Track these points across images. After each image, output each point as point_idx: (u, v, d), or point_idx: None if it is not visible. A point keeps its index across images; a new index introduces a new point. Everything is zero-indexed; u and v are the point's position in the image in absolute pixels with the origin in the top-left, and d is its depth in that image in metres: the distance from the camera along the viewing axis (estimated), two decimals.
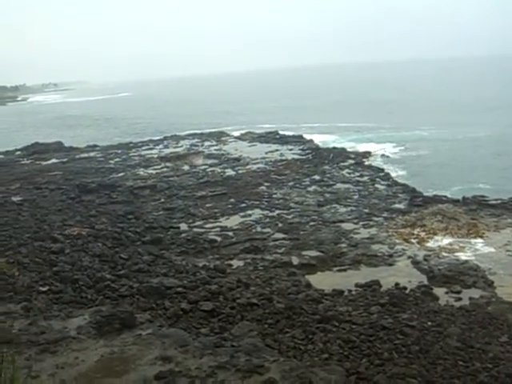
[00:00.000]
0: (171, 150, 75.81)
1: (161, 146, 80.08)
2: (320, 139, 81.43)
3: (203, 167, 61.24)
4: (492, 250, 32.30)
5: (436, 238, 34.63)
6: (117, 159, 70.42)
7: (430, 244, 33.64)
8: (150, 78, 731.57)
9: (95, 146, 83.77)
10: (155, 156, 70.54)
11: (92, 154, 75.73)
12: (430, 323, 22.25)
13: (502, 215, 38.75)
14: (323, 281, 28.77)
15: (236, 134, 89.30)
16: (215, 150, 73.68)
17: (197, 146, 78.30)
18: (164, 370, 16.15)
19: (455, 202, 42.37)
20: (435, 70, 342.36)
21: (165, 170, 61.25)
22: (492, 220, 37.72)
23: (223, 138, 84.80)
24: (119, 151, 76.80)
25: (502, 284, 27.42)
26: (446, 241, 34.01)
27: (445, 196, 44.44)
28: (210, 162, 64.26)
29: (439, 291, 26.68)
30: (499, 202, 41.57)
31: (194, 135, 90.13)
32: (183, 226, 39.72)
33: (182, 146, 78.29)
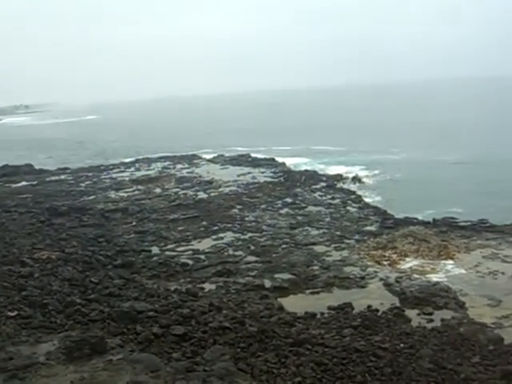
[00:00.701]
0: (143, 172, 75.49)
1: (132, 169, 79.68)
2: (292, 162, 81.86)
3: (175, 190, 61.02)
4: (463, 271, 32.60)
5: (407, 259, 34.85)
6: (88, 182, 69.87)
7: (402, 266, 33.83)
8: (123, 99, 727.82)
9: (66, 168, 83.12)
10: (127, 179, 70.19)
11: (63, 177, 75.07)
12: (402, 345, 22.29)
13: (471, 237, 39.19)
14: (296, 304, 28.68)
15: (208, 156, 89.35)
16: (187, 172, 73.50)
17: (169, 168, 78.14)
18: None
19: (426, 223, 42.79)
20: (409, 94, 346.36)
21: (136, 192, 60.91)
22: (462, 241, 38.12)
23: (195, 161, 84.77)
24: (90, 174, 76.31)
25: (473, 305, 27.64)
26: (417, 262, 34.23)
27: (415, 218, 44.86)
28: (181, 184, 64.07)
29: (411, 313, 26.77)
30: (469, 223, 42.14)
31: (165, 158, 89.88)
32: (155, 250, 39.44)
33: (153, 169, 78.04)
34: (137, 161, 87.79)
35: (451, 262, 34.29)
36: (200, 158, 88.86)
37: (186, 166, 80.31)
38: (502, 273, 31.96)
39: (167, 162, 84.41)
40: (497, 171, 69.37)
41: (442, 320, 25.54)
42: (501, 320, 25.55)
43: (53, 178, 73.93)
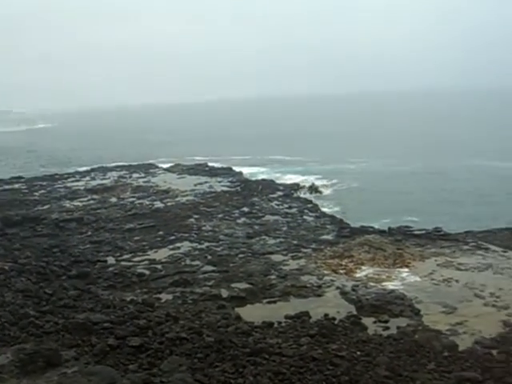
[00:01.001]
0: (98, 181, 74.71)
1: (87, 178, 78.74)
2: (249, 171, 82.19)
3: (131, 199, 60.53)
4: (417, 279, 33.07)
5: (363, 268, 35.19)
6: (42, 191, 68.78)
7: (358, 274, 34.14)
8: (81, 108, 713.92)
9: (20, 177, 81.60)
10: (82, 188, 69.33)
11: (16, 186, 73.60)
12: (359, 353, 22.45)
13: (426, 245, 39.85)
14: (253, 313, 28.66)
15: (165, 166, 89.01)
16: (143, 182, 73.06)
17: (125, 177, 77.47)
18: None
19: (381, 232, 43.36)
20: (371, 104, 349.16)
21: (92, 202, 60.21)
22: (417, 250, 38.70)
23: (152, 170, 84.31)
24: (44, 183, 75.07)
25: (428, 312, 28.04)
26: (373, 271, 34.58)
27: (371, 227, 45.39)
28: (138, 194, 63.59)
29: (367, 321, 27.01)
30: (423, 232, 42.83)
31: (121, 167, 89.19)
32: (110, 260, 38.97)
33: (109, 178, 77.29)
34: (92, 170, 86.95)
35: (406, 269, 34.76)
36: (157, 167, 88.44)
37: (143, 175, 79.81)
38: (456, 280, 32.53)
39: (123, 171, 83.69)
40: (451, 181, 70.90)
41: (398, 327, 25.87)
42: (455, 327, 25.99)
43: (6, 187, 72.48)
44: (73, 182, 76.04)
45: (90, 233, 46.64)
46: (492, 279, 32.67)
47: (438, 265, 35.56)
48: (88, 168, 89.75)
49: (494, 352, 22.88)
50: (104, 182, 74.19)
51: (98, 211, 54.35)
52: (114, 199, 61.31)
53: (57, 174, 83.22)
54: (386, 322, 27.00)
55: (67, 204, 59.63)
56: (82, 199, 61.98)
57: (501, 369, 20.93)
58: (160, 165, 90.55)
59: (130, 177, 78.07)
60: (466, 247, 39.38)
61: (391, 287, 31.62)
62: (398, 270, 34.81)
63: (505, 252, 38.02)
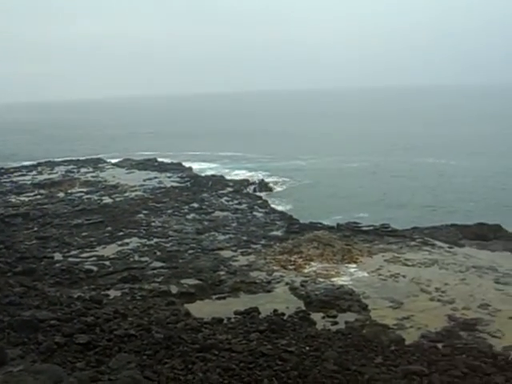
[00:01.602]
0: (45, 176, 73.35)
1: (34, 173, 77.24)
2: (199, 167, 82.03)
3: (79, 194, 59.63)
4: (365, 274, 33.51)
5: (312, 263, 35.44)
6: None
7: (307, 270, 34.37)
8: (30, 101, 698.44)
9: None
10: (28, 183, 68.01)
11: None
12: (308, 348, 22.59)
13: (374, 241, 40.40)
14: (202, 309, 28.62)
15: (114, 160, 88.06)
16: (92, 176, 72.08)
17: (72, 172, 76.31)
18: None
19: (330, 228, 43.79)
20: (331, 102, 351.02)
21: (38, 197, 59.10)
22: (365, 246, 39.19)
23: (100, 165, 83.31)
24: None
25: (376, 307, 28.46)
26: (321, 266, 34.86)
27: (320, 223, 45.79)
28: (86, 189, 62.70)
29: (316, 316, 27.25)
30: (371, 228, 43.38)
31: (69, 161, 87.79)
32: (57, 256, 38.32)
33: (56, 173, 75.98)
34: (39, 164, 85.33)
35: (354, 265, 35.18)
36: (105, 161, 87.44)
37: (91, 169, 78.76)
38: (403, 276, 33.09)
39: (71, 166, 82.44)
40: (399, 178, 72.13)
41: (346, 322, 26.19)
42: (402, 321, 26.46)
43: None
44: (19, 176, 74.57)
45: (36, 228, 45.76)
46: (438, 274, 33.37)
47: (385, 260, 36.10)
48: (35, 162, 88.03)
49: (440, 345, 23.38)
50: (51, 176, 72.85)
51: (45, 206, 53.37)
52: (61, 194, 60.31)
53: (2, 168, 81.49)
54: (335, 317, 27.32)
55: (13, 199, 58.40)
56: (28, 194, 60.78)
57: (446, 362, 21.36)
58: (108, 159, 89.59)
59: (78, 171, 76.95)
60: (412, 243, 40.10)
61: (340, 283, 31.96)
62: (346, 265, 35.19)
63: (450, 248, 38.87)
